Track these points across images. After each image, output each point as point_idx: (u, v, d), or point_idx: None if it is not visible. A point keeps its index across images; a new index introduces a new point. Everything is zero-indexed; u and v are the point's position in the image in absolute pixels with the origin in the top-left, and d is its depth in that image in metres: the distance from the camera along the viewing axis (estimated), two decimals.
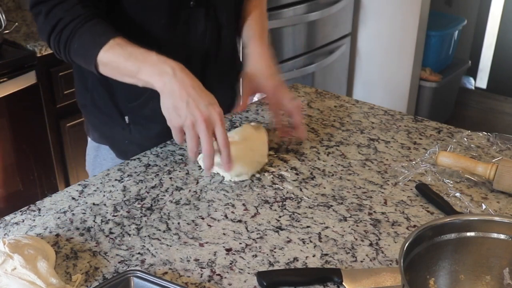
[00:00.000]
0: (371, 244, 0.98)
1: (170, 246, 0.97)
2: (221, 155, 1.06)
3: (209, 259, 0.94)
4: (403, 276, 0.72)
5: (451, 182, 1.15)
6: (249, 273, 0.91)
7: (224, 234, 1.00)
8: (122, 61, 1.08)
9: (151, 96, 1.25)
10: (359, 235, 1.00)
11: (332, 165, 1.21)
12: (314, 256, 0.95)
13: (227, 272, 0.92)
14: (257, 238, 0.99)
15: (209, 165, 1.06)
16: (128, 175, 1.17)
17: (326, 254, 0.96)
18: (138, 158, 1.23)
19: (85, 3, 1.12)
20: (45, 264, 0.86)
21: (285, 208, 1.07)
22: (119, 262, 0.93)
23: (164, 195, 1.11)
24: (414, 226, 1.03)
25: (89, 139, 1.40)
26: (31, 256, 0.87)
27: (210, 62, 1.29)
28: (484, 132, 1.33)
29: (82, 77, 1.31)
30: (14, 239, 0.91)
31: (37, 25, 1.16)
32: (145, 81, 1.07)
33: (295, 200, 1.10)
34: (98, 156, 1.38)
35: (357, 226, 1.03)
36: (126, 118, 1.29)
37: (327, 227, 1.02)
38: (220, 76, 1.32)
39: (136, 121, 1.29)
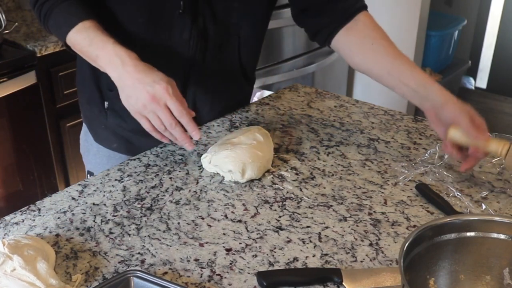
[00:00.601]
0: (371, 244, 0.98)
1: (170, 246, 0.97)
2: (185, 127, 1.07)
3: (209, 259, 0.94)
4: (403, 276, 0.72)
5: (451, 182, 1.15)
6: (249, 273, 0.91)
7: (224, 234, 1.00)
8: (85, 45, 1.12)
9: None
10: (359, 235, 1.00)
11: (332, 165, 1.21)
12: (314, 256, 0.95)
13: (227, 272, 0.92)
14: (257, 238, 0.99)
15: (182, 137, 1.08)
16: (128, 175, 1.17)
17: (326, 254, 0.96)
18: (138, 158, 1.23)
19: None
20: (44, 265, 0.86)
21: (285, 208, 1.07)
22: (119, 262, 0.93)
23: (164, 195, 1.11)
24: (414, 226, 1.03)
25: (83, 123, 1.44)
26: (31, 257, 0.87)
27: (195, 70, 1.27)
28: None
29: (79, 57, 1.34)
30: (14, 239, 0.91)
31: None
32: (103, 69, 1.11)
33: (295, 200, 1.10)
34: (86, 140, 1.41)
35: (357, 226, 1.03)
36: (106, 103, 1.31)
37: (327, 227, 1.02)
38: (205, 86, 1.31)
39: (114, 109, 1.31)
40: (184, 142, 1.09)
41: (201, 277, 0.90)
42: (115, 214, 1.05)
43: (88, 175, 1.43)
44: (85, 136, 1.42)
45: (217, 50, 1.28)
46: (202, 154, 1.22)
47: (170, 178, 1.16)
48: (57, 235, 1.00)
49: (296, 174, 1.18)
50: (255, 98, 2.25)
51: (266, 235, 1.00)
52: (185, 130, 1.09)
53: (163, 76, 1.07)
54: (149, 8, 1.19)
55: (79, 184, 1.14)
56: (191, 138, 1.10)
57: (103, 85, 1.30)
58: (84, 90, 1.36)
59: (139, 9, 1.20)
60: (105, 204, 1.08)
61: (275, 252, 0.96)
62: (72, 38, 1.13)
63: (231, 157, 1.14)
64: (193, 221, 1.04)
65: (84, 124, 1.43)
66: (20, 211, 1.06)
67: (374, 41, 1.22)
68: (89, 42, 1.11)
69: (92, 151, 1.40)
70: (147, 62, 1.13)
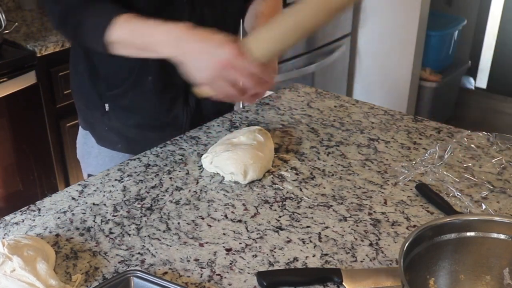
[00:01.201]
0: (371, 244, 0.98)
1: (170, 246, 0.97)
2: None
3: (209, 259, 0.94)
4: (403, 276, 0.72)
5: (451, 182, 1.15)
6: (249, 273, 0.91)
7: (224, 234, 1.00)
8: (133, 37, 1.08)
9: (132, 86, 1.26)
10: (359, 235, 1.00)
11: (332, 165, 1.21)
12: (314, 256, 0.95)
13: (227, 272, 0.92)
14: (257, 238, 0.99)
15: (272, 81, 1.06)
16: (128, 175, 1.17)
17: (326, 254, 0.96)
18: (138, 158, 1.23)
19: None
20: (44, 265, 0.86)
21: (285, 208, 1.07)
22: (119, 262, 0.93)
23: (164, 195, 1.11)
24: (414, 226, 1.03)
25: (80, 127, 1.43)
26: (31, 257, 0.87)
27: None
28: (484, 132, 1.33)
29: (74, 61, 1.33)
30: (14, 240, 0.91)
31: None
32: (162, 54, 1.07)
33: (295, 200, 1.10)
34: (86, 144, 1.40)
35: (357, 226, 1.03)
36: (106, 105, 1.30)
37: (327, 227, 1.02)
38: None
39: (116, 110, 1.30)
40: (268, 86, 1.07)
41: (201, 277, 0.90)
42: (115, 214, 1.05)
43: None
44: (84, 139, 1.40)
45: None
46: (202, 154, 1.22)
47: (170, 178, 1.16)
48: (57, 235, 1.00)
49: (296, 174, 1.18)
50: None
51: (266, 235, 1.00)
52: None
53: (223, 38, 1.03)
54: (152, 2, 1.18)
55: (79, 184, 1.14)
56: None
57: (102, 88, 1.29)
58: (81, 96, 1.36)
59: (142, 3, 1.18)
60: (105, 204, 1.08)
61: (275, 252, 0.96)
62: (115, 35, 1.08)
63: (233, 159, 1.14)
64: (193, 221, 1.04)
65: (81, 129, 1.41)
66: (20, 211, 1.06)
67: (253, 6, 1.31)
68: (137, 34, 1.07)
69: (93, 153, 1.39)
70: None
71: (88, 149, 1.40)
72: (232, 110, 1.48)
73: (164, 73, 1.24)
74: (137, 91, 1.21)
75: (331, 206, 1.08)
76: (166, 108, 1.28)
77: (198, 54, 1.03)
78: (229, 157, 1.15)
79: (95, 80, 1.29)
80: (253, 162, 1.14)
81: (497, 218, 0.85)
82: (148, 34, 1.07)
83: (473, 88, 4.10)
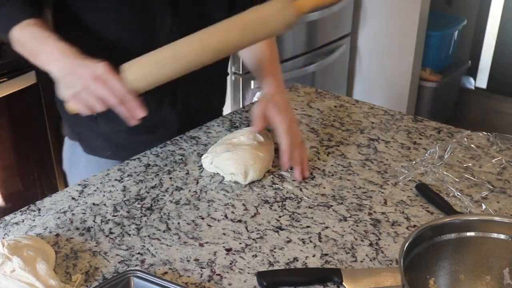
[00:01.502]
0: (371, 244, 0.98)
1: (170, 246, 0.97)
2: (129, 105, 1.03)
3: (209, 259, 0.94)
4: (403, 276, 0.72)
5: (451, 182, 1.15)
6: (249, 273, 0.91)
7: (224, 234, 1.00)
8: (27, 41, 1.10)
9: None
10: (359, 235, 1.00)
11: (332, 165, 1.21)
12: (314, 256, 0.95)
13: (227, 272, 0.92)
14: (257, 238, 0.99)
15: (130, 113, 1.04)
16: (128, 175, 1.17)
17: (326, 254, 0.96)
18: (138, 158, 1.23)
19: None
20: (44, 266, 0.86)
21: (285, 208, 1.07)
22: (119, 262, 0.93)
23: (164, 195, 1.11)
24: (414, 226, 1.03)
25: (65, 138, 1.41)
26: (31, 257, 0.87)
27: None
28: (484, 132, 1.33)
29: None
30: (14, 240, 0.91)
31: None
32: (44, 65, 1.08)
33: (295, 200, 1.10)
34: (73, 154, 1.38)
35: (357, 226, 1.03)
36: None
37: (327, 227, 1.02)
38: (194, 80, 1.28)
39: (104, 114, 1.28)
40: (131, 118, 1.05)
41: (201, 277, 0.90)
42: (115, 214, 1.05)
43: None
44: (71, 150, 1.38)
45: None
46: (202, 154, 1.22)
47: (170, 178, 1.16)
48: (57, 235, 1.00)
49: None
50: (255, 98, 2.25)
51: (266, 235, 1.00)
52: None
53: (103, 61, 1.03)
54: (128, 5, 1.18)
55: (79, 184, 1.14)
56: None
57: None
58: None
59: (120, 6, 1.18)
60: (105, 204, 1.08)
61: (275, 252, 0.96)
62: (16, 35, 1.10)
63: (233, 159, 1.14)
64: (193, 221, 1.04)
65: (67, 139, 1.39)
66: (20, 211, 1.06)
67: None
68: (32, 38, 1.09)
69: (81, 164, 1.36)
70: (131, 54, 1.12)
71: (76, 160, 1.38)
72: (223, 105, 1.47)
73: None
74: None
75: (331, 206, 1.08)
76: (154, 109, 1.24)
77: (72, 69, 1.04)
78: (229, 158, 1.15)
79: None
80: (254, 163, 1.14)
81: (497, 218, 0.85)
82: (40, 44, 1.08)
83: (473, 88, 4.10)
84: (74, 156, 1.38)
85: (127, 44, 1.20)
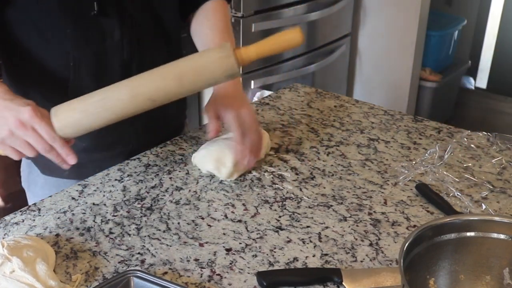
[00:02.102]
0: (371, 244, 0.98)
1: (170, 246, 0.97)
2: (59, 151, 0.98)
3: (209, 259, 0.94)
4: (403, 276, 0.72)
5: (451, 182, 1.15)
6: (249, 273, 0.91)
7: (224, 234, 1.00)
8: None
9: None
10: (359, 235, 1.00)
11: (332, 165, 1.21)
12: (314, 256, 0.95)
13: (227, 272, 0.92)
14: (257, 238, 0.99)
15: (59, 160, 0.99)
16: (128, 175, 1.17)
17: (326, 254, 0.96)
18: (138, 158, 1.23)
19: None
20: (44, 266, 0.86)
21: (285, 208, 1.07)
22: (119, 262, 0.93)
23: (164, 195, 1.11)
24: (414, 226, 1.03)
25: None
26: (30, 258, 0.87)
27: (133, 68, 1.18)
28: (484, 132, 1.33)
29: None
30: (14, 240, 0.91)
31: None
32: None
33: (295, 200, 1.10)
34: (31, 173, 1.33)
35: (357, 226, 1.03)
36: None
37: (327, 227, 1.02)
38: None
39: None
40: (62, 163, 1.00)
41: (201, 277, 0.90)
42: (115, 214, 1.05)
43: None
44: (29, 169, 1.32)
45: (150, 43, 1.23)
46: None
47: (170, 178, 1.16)
48: (57, 235, 1.00)
49: (296, 174, 1.18)
50: (255, 98, 2.25)
51: (266, 235, 1.00)
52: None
53: (32, 102, 0.98)
54: (69, 13, 1.13)
55: (79, 184, 1.14)
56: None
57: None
58: None
59: (61, 16, 1.13)
60: (105, 204, 1.08)
61: (275, 252, 0.96)
62: None
63: (205, 156, 1.15)
64: (193, 221, 1.04)
65: (24, 159, 1.32)
66: (20, 211, 1.06)
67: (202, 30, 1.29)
68: None
69: (39, 183, 1.30)
70: (81, 76, 1.11)
71: (33, 178, 1.32)
72: (182, 112, 1.42)
73: (100, 84, 1.11)
74: None
75: (331, 206, 1.08)
76: (111, 127, 1.08)
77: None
78: (203, 155, 1.16)
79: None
80: (224, 155, 1.13)
81: (497, 218, 0.85)
82: None
83: (473, 88, 4.10)
84: (31, 175, 1.32)
85: (78, 69, 1.16)
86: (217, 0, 1.32)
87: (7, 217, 1.04)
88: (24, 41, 1.16)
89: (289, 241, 0.99)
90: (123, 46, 1.18)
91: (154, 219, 1.04)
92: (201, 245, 0.98)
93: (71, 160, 0.99)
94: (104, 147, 1.26)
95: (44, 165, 1.27)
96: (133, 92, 0.97)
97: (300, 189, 1.13)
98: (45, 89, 1.17)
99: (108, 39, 1.16)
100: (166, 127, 1.35)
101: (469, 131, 1.35)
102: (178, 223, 1.03)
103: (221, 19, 1.30)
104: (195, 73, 0.97)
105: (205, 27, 1.28)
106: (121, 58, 1.19)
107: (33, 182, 1.33)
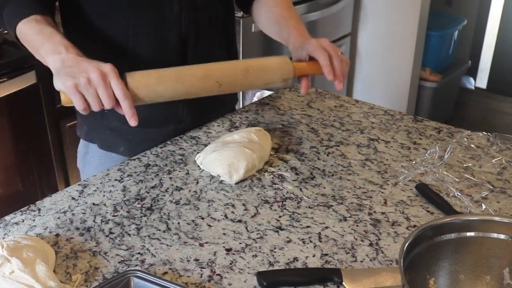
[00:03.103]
0: (371, 244, 0.98)
1: (170, 246, 0.97)
2: (125, 110, 1.03)
3: (209, 259, 0.94)
4: (403, 276, 0.72)
5: (451, 182, 1.15)
6: (249, 273, 0.91)
7: (224, 234, 1.00)
8: (32, 33, 1.11)
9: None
10: (359, 235, 1.00)
11: (332, 165, 1.21)
12: (314, 256, 0.95)
13: (227, 272, 0.92)
14: (257, 238, 0.99)
15: (130, 113, 1.03)
16: (128, 175, 1.17)
17: (326, 254, 0.96)
18: (138, 158, 1.23)
19: None
20: (44, 267, 0.86)
21: (285, 208, 1.07)
22: (119, 262, 0.93)
23: (164, 195, 1.11)
24: (414, 226, 1.03)
25: (81, 139, 1.41)
26: (30, 259, 0.87)
27: (190, 45, 1.27)
28: (484, 132, 1.33)
29: None
30: (14, 240, 0.91)
31: None
32: (44, 58, 1.09)
33: (295, 200, 1.10)
34: (87, 153, 1.39)
35: (357, 226, 1.03)
36: None
37: (327, 227, 1.02)
38: (204, 60, 1.28)
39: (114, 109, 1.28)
40: (133, 120, 1.04)
41: (201, 277, 0.90)
42: (115, 214, 1.05)
43: None
44: (85, 149, 1.39)
45: (207, 24, 1.29)
46: None
47: (170, 178, 1.16)
48: (57, 235, 1.00)
49: (296, 174, 1.18)
50: (255, 98, 2.25)
51: (266, 235, 1.00)
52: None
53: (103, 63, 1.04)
54: None
55: (79, 184, 1.14)
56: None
57: None
58: None
59: None
60: (105, 204, 1.08)
61: (275, 252, 0.96)
62: (22, 29, 1.12)
63: (218, 159, 1.15)
64: (193, 221, 1.04)
65: (82, 140, 1.40)
66: (20, 211, 1.06)
67: (269, 9, 1.37)
68: (37, 31, 1.10)
69: (94, 163, 1.37)
70: (139, 45, 1.17)
71: (89, 159, 1.39)
72: (236, 101, 1.48)
73: (157, 57, 1.24)
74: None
75: (331, 206, 1.08)
76: (166, 104, 1.21)
77: (75, 62, 1.03)
78: (215, 158, 1.15)
79: None
80: (237, 161, 1.14)
81: (497, 218, 0.85)
82: (43, 38, 1.09)
83: (473, 88, 4.10)
84: (87, 156, 1.39)
85: (136, 37, 1.21)
86: None
87: (7, 217, 1.04)
88: (86, 7, 1.22)
89: (289, 241, 0.99)
90: (182, 21, 1.24)
91: (154, 219, 1.04)
92: (201, 245, 0.98)
93: (133, 122, 1.04)
94: (157, 123, 1.31)
95: (102, 140, 1.35)
96: (206, 72, 1.10)
97: (300, 189, 1.13)
98: (105, 57, 1.23)
99: (167, 10, 1.22)
100: (219, 110, 1.41)
101: (469, 131, 1.35)
102: (178, 223, 1.03)
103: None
104: (260, 69, 1.13)
105: (279, 12, 1.35)
106: (179, 31, 1.24)
107: (89, 162, 1.39)
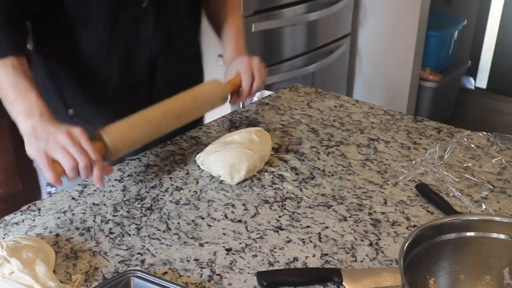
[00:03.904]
0: (371, 244, 0.98)
1: (170, 246, 0.97)
2: (95, 172, 1.01)
3: (209, 259, 0.94)
4: (403, 276, 0.72)
5: (451, 182, 1.15)
6: (249, 273, 0.91)
7: (224, 234, 1.00)
8: (6, 84, 1.06)
9: (95, 90, 1.27)
10: (359, 235, 1.00)
11: (332, 165, 1.21)
12: (314, 256, 0.95)
13: (227, 272, 0.92)
14: (257, 238, 0.99)
15: (98, 177, 1.01)
16: (128, 175, 1.17)
17: (326, 254, 0.96)
18: (138, 158, 1.23)
19: (9, 5, 1.10)
20: (43, 267, 0.86)
21: (285, 208, 1.07)
22: (119, 262, 0.93)
23: (164, 195, 1.11)
24: (414, 226, 1.03)
25: None
26: (30, 259, 0.87)
27: (159, 63, 1.29)
28: (484, 132, 1.33)
29: (35, 67, 1.29)
30: (14, 240, 0.91)
31: None
32: (14, 116, 1.05)
33: (295, 200, 1.10)
34: None
35: (357, 226, 1.03)
36: (70, 111, 1.28)
37: (327, 227, 1.02)
38: (172, 80, 1.32)
39: (80, 115, 1.28)
40: (99, 181, 1.02)
41: (201, 277, 0.90)
42: (115, 214, 1.05)
43: (49, 187, 1.42)
44: None
45: (178, 42, 1.32)
46: None
47: (170, 178, 1.16)
48: (57, 235, 1.00)
49: (296, 174, 1.18)
50: (255, 98, 2.25)
51: (266, 235, 1.00)
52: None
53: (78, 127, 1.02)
54: (114, 4, 1.19)
55: (79, 184, 1.14)
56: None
57: (66, 93, 1.27)
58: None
59: (103, 8, 1.18)
60: (105, 204, 1.08)
61: (275, 252, 0.96)
62: None
63: (219, 160, 1.15)
64: (193, 221, 1.04)
65: None
66: (20, 211, 1.06)
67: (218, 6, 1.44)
68: (12, 83, 1.05)
69: None
70: (112, 60, 1.19)
71: None
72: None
73: (127, 73, 1.26)
74: (101, 95, 1.23)
75: (331, 206, 1.08)
76: (131, 109, 1.16)
77: (46, 126, 1.00)
78: (216, 159, 1.15)
79: (57, 85, 1.27)
80: (238, 162, 1.14)
81: (497, 218, 0.85)
82: (19, 95, 1.05)
83: (473, 88, 4.10)
84: None
85: (109, 52, 1.22)
86: None
87: (7, 217, 1.04)
88: (65, 21, 1.20)
89: (289, 241, 0.99)
90: (155, 40, 1.26)
91: (154, 219, 1.04)
92: (201, 245, 0.98)
93: (100, 184, 1.03)
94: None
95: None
96: (165, 110, 1.18)
97: (300, 189, 1.13)
98: (75, 72, 1.23)
99: (142, 30, 1.24)
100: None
101: (469, 131, 1.35)
102: (178, 223, 1.03)
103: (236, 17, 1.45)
104: (204, 95, 1.25)
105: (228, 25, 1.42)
106: (151, 49, 1.27)
107: None
